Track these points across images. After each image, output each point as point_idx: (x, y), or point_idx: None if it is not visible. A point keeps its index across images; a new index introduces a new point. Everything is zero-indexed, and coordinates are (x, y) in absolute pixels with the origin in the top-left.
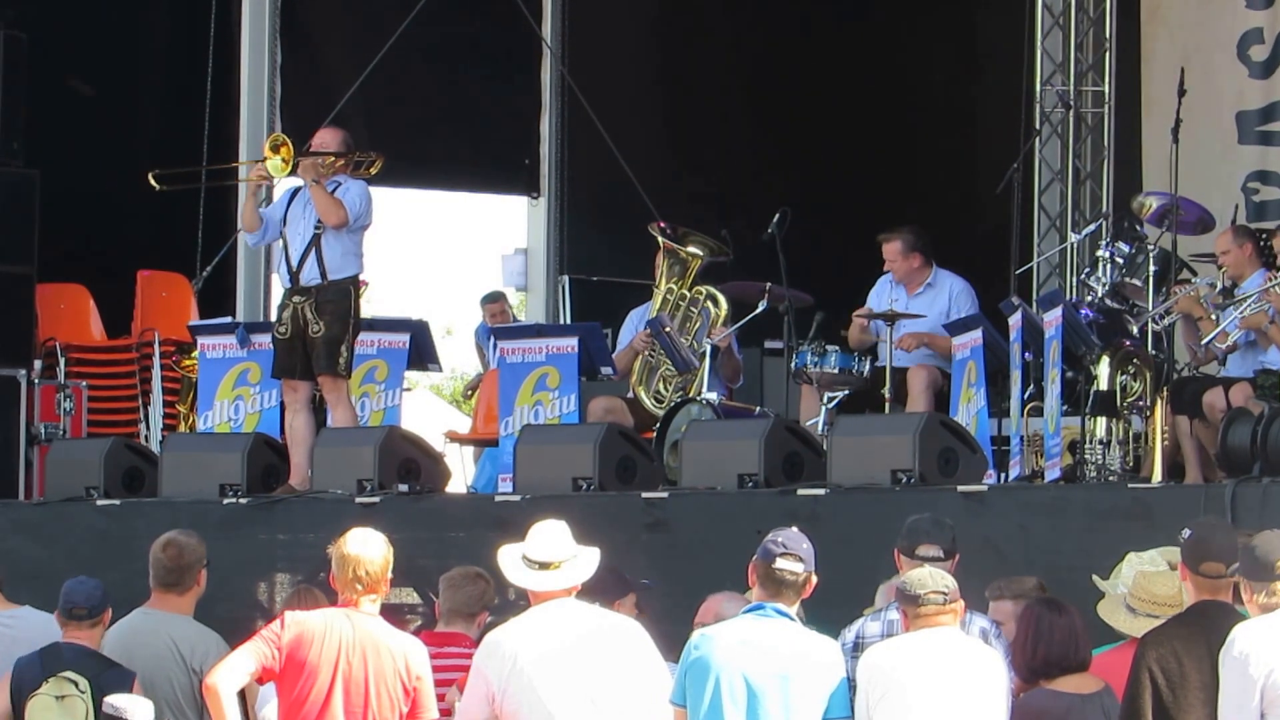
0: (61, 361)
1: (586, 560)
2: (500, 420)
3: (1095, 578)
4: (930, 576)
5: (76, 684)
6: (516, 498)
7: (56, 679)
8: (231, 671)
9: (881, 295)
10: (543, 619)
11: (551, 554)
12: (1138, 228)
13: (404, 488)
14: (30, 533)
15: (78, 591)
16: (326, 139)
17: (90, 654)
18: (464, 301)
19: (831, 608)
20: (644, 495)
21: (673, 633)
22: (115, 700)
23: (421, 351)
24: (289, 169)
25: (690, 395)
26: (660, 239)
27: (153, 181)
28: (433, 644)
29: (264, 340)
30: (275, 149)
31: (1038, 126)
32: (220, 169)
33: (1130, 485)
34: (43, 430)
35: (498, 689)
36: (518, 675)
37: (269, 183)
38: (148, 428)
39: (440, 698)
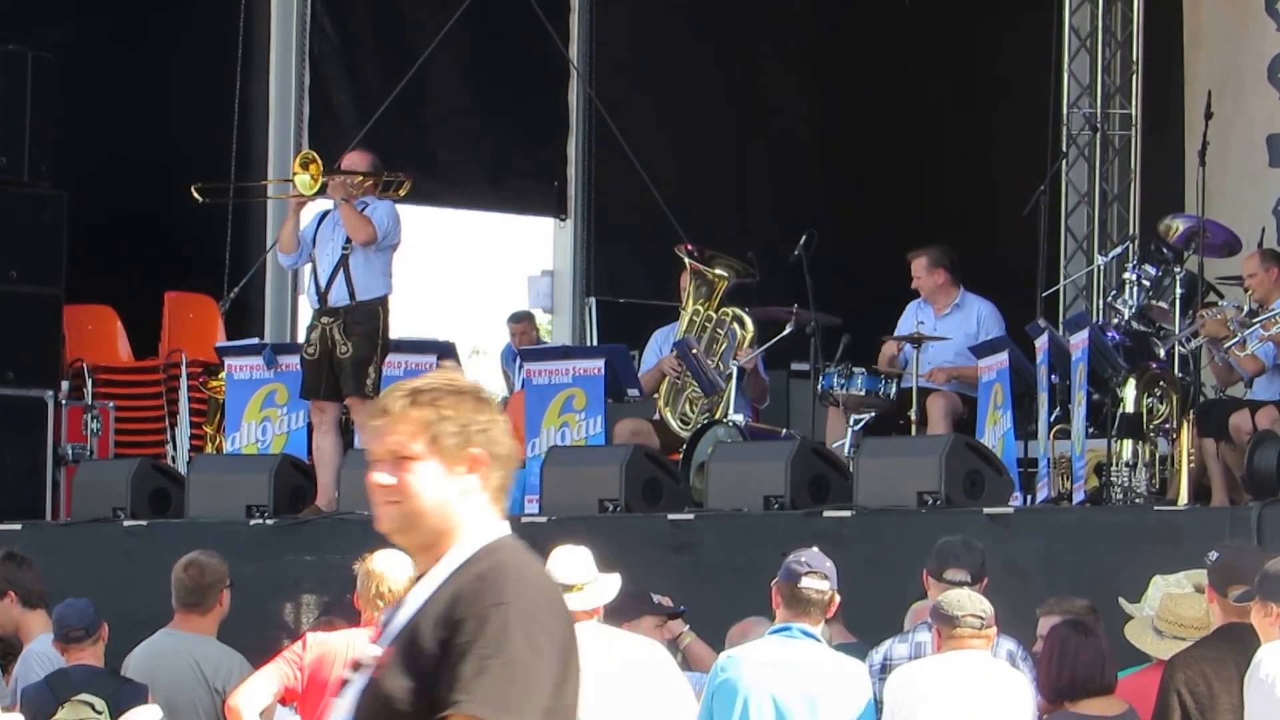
0: (89, 382)
1: (608, 583)
2: (526, 442)
3: (1122, 600)
4: (969, 599)
5: (93, 705)
6: (543, 519)
7: (72, 704)
8: (254, 692)
9: (909, 318)
10: None
11: (574, 576)
12: (1165, 250)
13: None
14: (57, 553)
15: (71, 614)
16: (356, 160)
17: (100, 673)
18: (491, 323)
19: (857, 629)
20: (670, 517)
21: None
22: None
23: None
24: (318, 187)
25: (716, 417)
26: (686, 260)
27: (195, 194)
28: None
29: (291, 361)
30: (304, 166)
31: (1064, 149)
32: (252, 185)
33: (1156, 508)
34: (70, 451)
35: None
36: None
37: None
38: (175, 449)
39: None
